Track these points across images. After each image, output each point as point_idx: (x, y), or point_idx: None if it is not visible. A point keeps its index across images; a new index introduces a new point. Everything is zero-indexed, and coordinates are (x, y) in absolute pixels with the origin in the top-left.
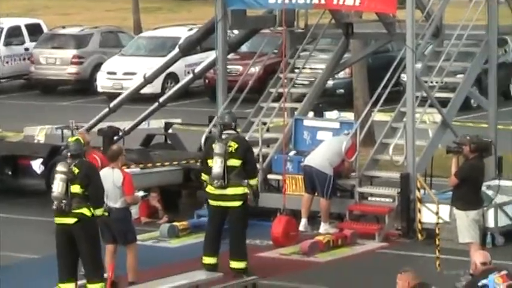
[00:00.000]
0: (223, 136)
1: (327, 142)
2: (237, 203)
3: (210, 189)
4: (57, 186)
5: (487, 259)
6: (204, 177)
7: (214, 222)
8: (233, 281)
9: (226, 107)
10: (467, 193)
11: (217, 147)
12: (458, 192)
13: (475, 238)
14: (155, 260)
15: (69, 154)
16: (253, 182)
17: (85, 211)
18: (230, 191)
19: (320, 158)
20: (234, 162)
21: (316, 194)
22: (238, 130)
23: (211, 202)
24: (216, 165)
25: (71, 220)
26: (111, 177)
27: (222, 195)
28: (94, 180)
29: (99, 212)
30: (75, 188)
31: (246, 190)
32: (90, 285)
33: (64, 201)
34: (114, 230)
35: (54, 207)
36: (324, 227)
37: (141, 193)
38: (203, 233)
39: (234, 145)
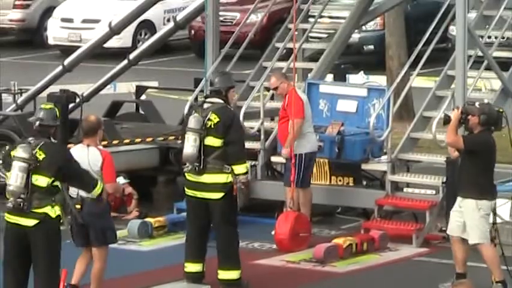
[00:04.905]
0: (205, 106)
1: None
2: (217, 195)
3: (187, 174)
4: (15, 178)
5: None
6: None
7: (193, 218)
8: None
9: (217, 67)
10: (480, 177)
11: (192, 121)
12: (465, 174)
13: (487, 238)
14: (122, 267)
15: (37, 126)
16: (238, 169)
17: (48, 210)
18: (207, 178)
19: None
20: (212, 141)
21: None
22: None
23: (187, 191)
24: (188, 143)
25: (29, 222)
26: (85, 158)
27: (197, 183)
28: (70, 170)
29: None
30: (38, 180)
31: (231, 179)
32: None
33: (22, 196)
34: (88, 227)
35: (10, 204)
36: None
37: (121, 180)
38: (184, 233)
39: (214, 119)
